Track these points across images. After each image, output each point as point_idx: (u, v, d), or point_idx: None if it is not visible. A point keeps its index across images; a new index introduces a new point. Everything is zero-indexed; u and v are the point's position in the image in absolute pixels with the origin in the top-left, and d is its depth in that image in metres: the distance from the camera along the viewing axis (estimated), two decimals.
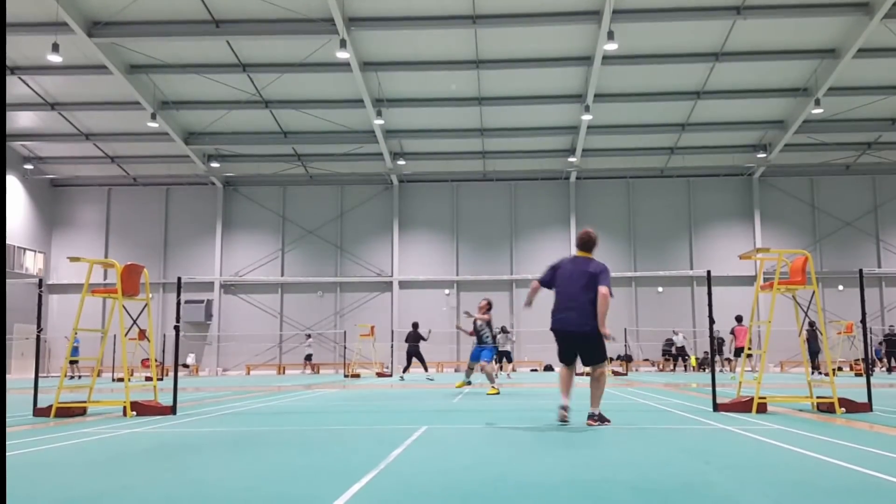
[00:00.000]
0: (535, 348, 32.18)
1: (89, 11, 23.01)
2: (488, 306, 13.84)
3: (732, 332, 22.40)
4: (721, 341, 29.39)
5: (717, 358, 29.13)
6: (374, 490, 3.73)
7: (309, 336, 32.97)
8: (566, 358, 7.16)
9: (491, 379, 13.24)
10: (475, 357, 13.75)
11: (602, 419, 6.85)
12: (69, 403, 8.72)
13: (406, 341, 22.06)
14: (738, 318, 22.16)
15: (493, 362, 14.74)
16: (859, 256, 32.95)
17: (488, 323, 13.76)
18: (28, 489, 3.88)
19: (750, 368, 23.29)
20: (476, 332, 13.82)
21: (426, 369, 21.89)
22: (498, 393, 12.66)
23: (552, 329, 7.09)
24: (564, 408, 6.98)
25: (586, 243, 7.29)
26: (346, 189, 35.30)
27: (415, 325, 22.15)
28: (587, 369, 7.15)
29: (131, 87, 26.46)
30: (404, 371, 21.93)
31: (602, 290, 6.86)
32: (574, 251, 7.44)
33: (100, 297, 9.29)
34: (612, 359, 30.33)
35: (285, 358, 34.46)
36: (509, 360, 26.31)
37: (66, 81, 27.49)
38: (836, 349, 27.43)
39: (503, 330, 25.78)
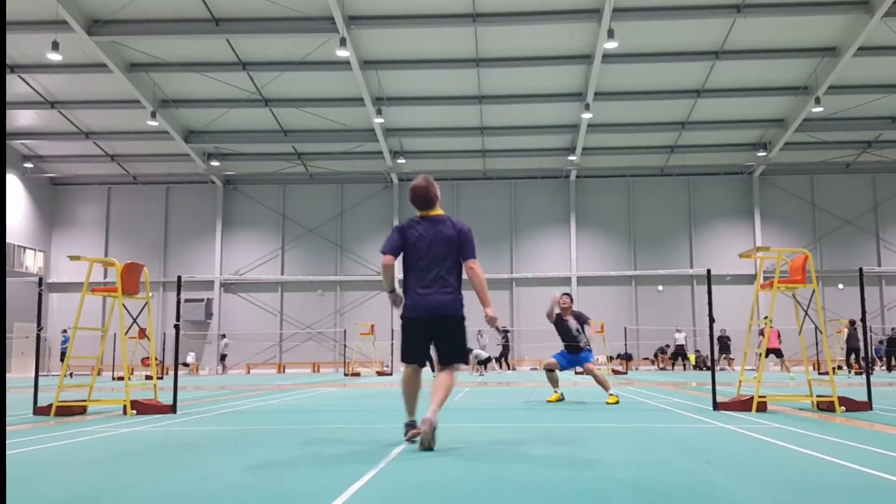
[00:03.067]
0: (534, 347, 32.19)
1: (89, 10, 22.99)
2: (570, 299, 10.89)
3: (761, 333, 21.43)
4: (727, 339, 29.40)
5: (724, 356, 29.12)
6: (373, 489, 3.73)
7: (224, 336, 32.78)
8: (419, 355, 5.44)
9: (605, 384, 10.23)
10: (573, 363, 10.56)
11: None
12: (69, 402, 8.72)
13: None
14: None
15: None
16: (859, 255, 32.95)
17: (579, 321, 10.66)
18: (28, 488, 3.88)
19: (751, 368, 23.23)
20: (571, 331, 10.51)
21: (433, 369, 21.44)
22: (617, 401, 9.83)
23: (409, 316, 5.37)
24: (413, 424, 5.41)
25: (429, 197, 5.48)
26: (346, 187, 35.29)
27: None
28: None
29: (131, 85, 26.45)
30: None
31: (472, 265, 5.43)
32: (416, 213, 5.59)
33: (100, 296, 9.29)
34: (611, 357, 30.41)
35: (285, 357, 34.46)
36: (498, 361, 26.35)
37: (65, 80, 27.49)
38: (835, 348, 27.44)
39: (479, 333, 25.92)
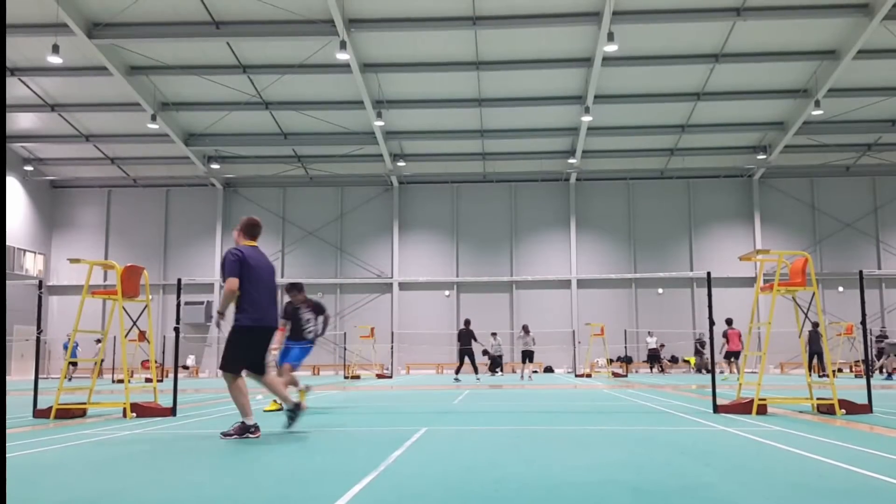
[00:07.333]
0: (536, 350, 32.12)
1: (89, 13, 23.02)
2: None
3: (725, 336, 21.55)
4: (703, 343, 29.73)
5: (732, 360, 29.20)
6: (373, 492, 3.73)
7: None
8: (261, 363, 6.55)
9: (294, 384, 9.86)
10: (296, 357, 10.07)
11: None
12: (69, 405, 8.72)
13: (458, 341, 21.99)
14: (729, 321, 20.96)
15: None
16: (859, 258, 32.94)
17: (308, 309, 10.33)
18: (28, 490, 3.88)
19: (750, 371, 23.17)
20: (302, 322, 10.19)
21: (476, 370, 21.50)
22: (280, 409, 9.10)
23: (254, 326, 6.39)
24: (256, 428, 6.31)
25: (257, 228, 6.79)
26: (346, 190, 35.30)
27: (467, 323, 21.66)
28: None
29: (131, 88, 26.47)
30: (457, 371, 21.77)
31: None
32: (244, 242, 6.69)
33: (100, 299, 9.29)
34: (611, 360, 30.44)
35: None
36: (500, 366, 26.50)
37: (66, 83, 27.50)
38: (836, 351, 27.44)
39: (493, 335, 26.09)
